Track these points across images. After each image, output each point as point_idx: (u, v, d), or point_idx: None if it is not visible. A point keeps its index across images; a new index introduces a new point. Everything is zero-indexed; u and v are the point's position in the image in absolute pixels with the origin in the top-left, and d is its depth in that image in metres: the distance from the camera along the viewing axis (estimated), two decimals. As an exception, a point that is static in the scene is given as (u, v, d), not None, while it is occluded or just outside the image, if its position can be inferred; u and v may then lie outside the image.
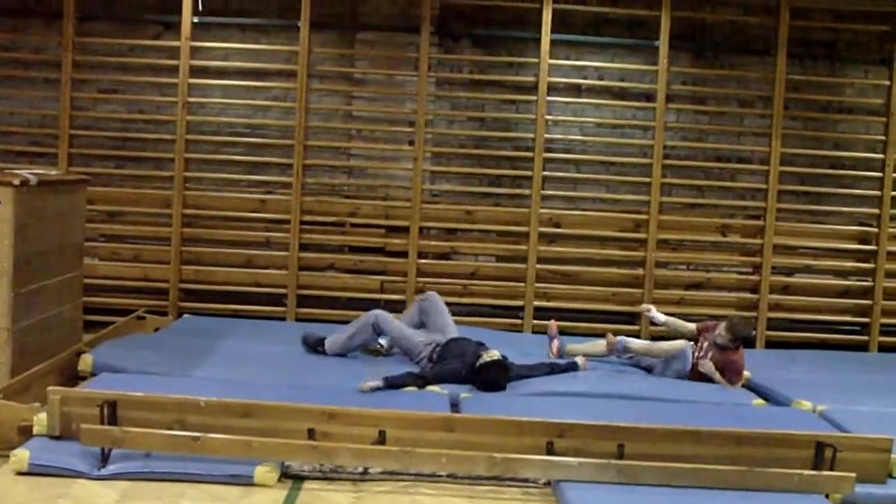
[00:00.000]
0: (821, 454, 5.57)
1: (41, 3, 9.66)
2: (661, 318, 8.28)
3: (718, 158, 9.88)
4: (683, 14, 9.55)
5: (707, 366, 7.57)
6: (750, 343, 7.81)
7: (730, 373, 7.58)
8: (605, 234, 9.70)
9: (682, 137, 9.84)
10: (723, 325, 7.62)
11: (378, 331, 7.91)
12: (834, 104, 9.89)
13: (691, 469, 5.42)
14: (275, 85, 9.71)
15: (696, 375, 7.67)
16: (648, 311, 8.39)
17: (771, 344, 9.54)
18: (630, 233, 9.69)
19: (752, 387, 7.70)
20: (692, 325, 8.07)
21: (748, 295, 9.72)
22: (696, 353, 7.75)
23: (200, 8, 9.46)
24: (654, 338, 8.69)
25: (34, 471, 5.35)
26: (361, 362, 7.81)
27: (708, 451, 5.62)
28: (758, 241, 9.65)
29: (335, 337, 7.99)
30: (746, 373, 7.85)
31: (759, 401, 7.26)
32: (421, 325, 8.16)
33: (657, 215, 9.55)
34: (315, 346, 8.01)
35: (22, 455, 5.39)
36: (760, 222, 9.62)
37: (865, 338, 9.65)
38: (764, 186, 9.60)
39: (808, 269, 9.87)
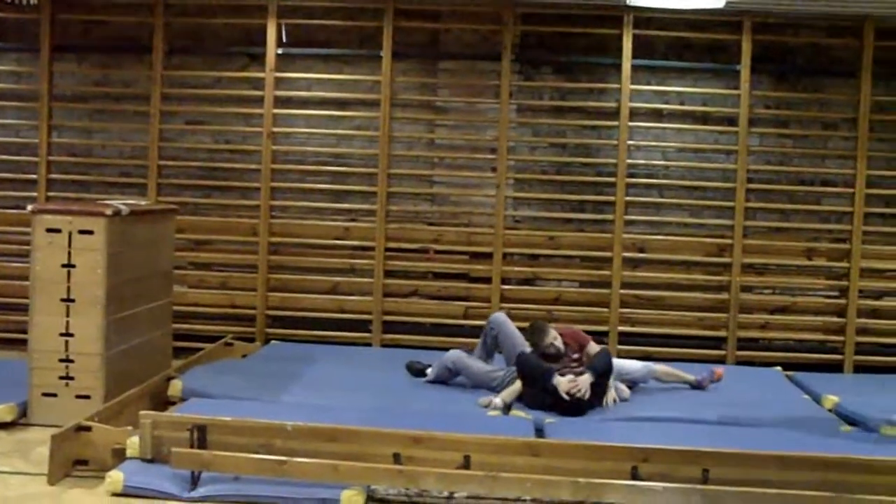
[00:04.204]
0: (912, 480, 5.48)
1: (131, 38, 9.90)
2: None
3: (802, 182, 9.76)
4: (765, 37, 9.48)
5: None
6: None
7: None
8: (689, 258, 9.65)
9: (766, 161, 9.74)
10: None
11: (455, 371, 7.92)
12: (921, 125, 9.74)
13: (777, 495, 5.31)
14: (358, 114, 9.84)
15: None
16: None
17: (860, 369, 9.39)
18: (714, 257, 9.63)
19: (840, 412, 7.55)
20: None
21: (835, 319, 9.58)
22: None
23: (284, 40, 9.65)
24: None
25: (128, 492, 5.48)
26: (447, 387, 7.87)
27: (794, 477, 5.49)
28: (844, 264, 9.52)
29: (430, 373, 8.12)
30: (834, 398, 7.75)
31: (847, 427, 7.14)
32: (490, 353, 8.18)
33: (741, 239, 9.48)
34: (419, 374, 8.17)
35: (116, 477, 5.52)
36: (846, 245, 9.50)
37: (957, 362, 9.45)
38: (850, 209, 9.49)
39: (896, 293, 9.72)
